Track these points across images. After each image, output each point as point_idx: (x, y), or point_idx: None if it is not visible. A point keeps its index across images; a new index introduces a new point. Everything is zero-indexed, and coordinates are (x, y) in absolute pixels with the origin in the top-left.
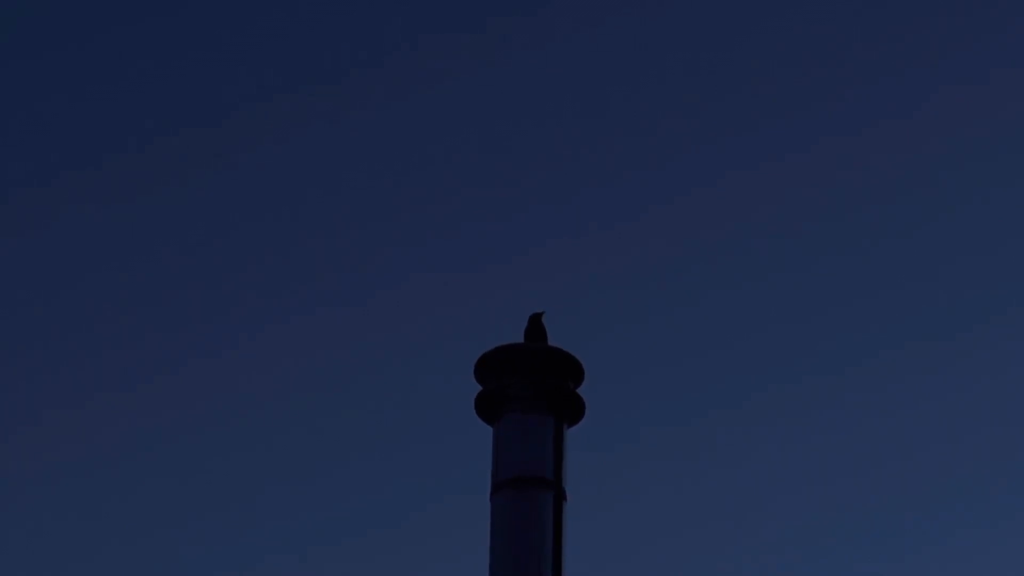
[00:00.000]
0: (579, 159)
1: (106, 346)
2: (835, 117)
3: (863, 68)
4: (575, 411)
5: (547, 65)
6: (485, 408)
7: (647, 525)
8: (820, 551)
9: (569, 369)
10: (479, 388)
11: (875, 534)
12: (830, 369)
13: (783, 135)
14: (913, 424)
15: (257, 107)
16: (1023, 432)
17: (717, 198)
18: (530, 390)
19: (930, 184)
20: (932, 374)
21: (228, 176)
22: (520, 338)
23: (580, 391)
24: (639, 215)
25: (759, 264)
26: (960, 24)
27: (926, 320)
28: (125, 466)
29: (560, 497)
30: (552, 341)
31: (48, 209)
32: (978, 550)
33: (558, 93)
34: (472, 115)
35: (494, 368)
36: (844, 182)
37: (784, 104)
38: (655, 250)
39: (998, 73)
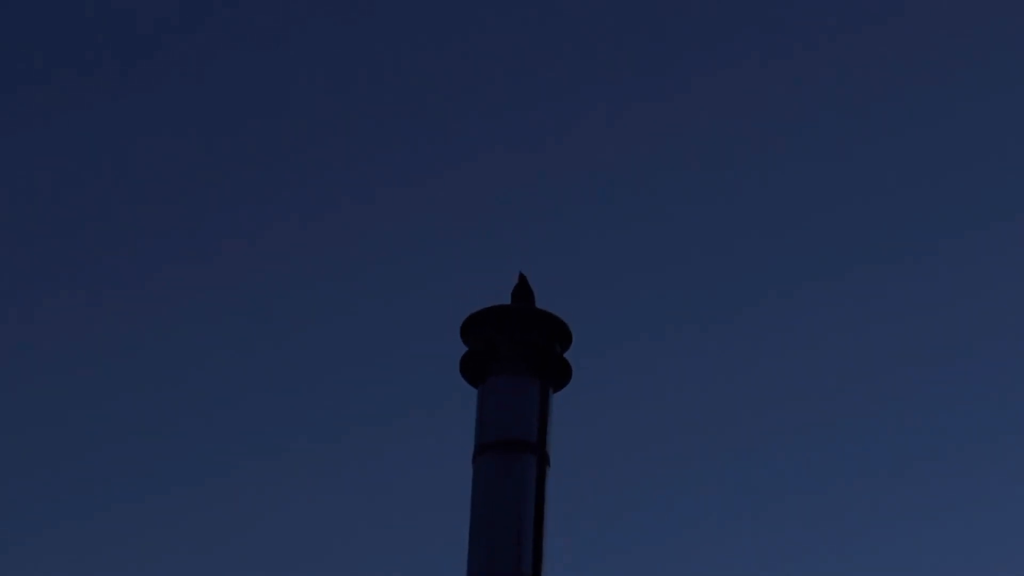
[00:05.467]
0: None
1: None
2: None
3: None
4: (561, 374)
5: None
6: (470, 369)
7: (630, 491)
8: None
9: (556, 331)
10: (465, 349)
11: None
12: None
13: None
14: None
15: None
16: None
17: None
18: (516, 352)
19: None
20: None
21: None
22: (508, 299)
23: (567, 355)
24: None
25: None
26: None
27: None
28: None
29: (544, 462)
30: (540, 303)
31: None
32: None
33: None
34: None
35: (480, 329)
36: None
37: None
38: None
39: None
